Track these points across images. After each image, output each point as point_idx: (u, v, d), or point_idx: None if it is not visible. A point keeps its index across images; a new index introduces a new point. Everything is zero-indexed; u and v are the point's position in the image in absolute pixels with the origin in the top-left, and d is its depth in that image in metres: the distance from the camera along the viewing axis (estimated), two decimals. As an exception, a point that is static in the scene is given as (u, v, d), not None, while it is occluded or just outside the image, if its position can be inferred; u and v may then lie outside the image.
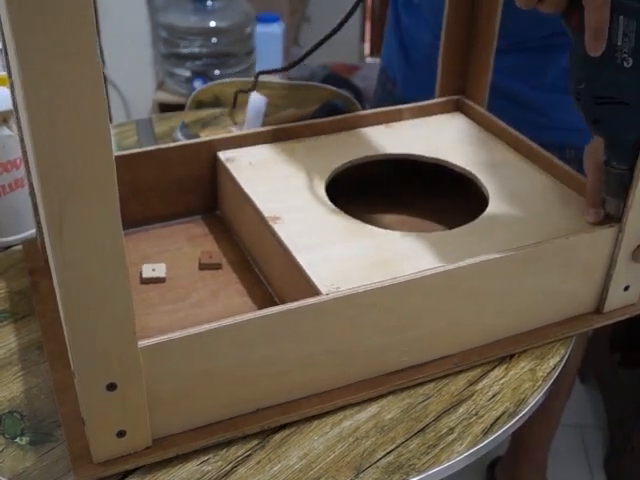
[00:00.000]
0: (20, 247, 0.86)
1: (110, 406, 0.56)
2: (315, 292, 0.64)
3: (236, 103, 1.14)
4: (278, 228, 0.73)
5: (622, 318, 0.77)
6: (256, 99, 1.11)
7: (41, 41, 0.41)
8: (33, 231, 0.86)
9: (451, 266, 0.66)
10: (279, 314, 0.60)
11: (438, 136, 0.91)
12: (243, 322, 0.59)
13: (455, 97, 0.97)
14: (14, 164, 0.84)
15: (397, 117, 0.95)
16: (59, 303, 0.51)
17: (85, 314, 0.51)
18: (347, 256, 0.69)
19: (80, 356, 0.53)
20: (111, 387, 0.55)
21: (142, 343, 0.55)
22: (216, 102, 1.23)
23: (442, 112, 0.97)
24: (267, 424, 0.63)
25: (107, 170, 0.46)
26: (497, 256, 0.67)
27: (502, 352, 0.72)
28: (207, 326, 0.58)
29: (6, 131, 0.82)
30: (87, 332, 0.52)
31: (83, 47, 0.42)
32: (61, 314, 0.51)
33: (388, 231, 0.73)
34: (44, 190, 0.45)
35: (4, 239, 0.87)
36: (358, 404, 0.67)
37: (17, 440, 0.63)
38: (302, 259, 0.68)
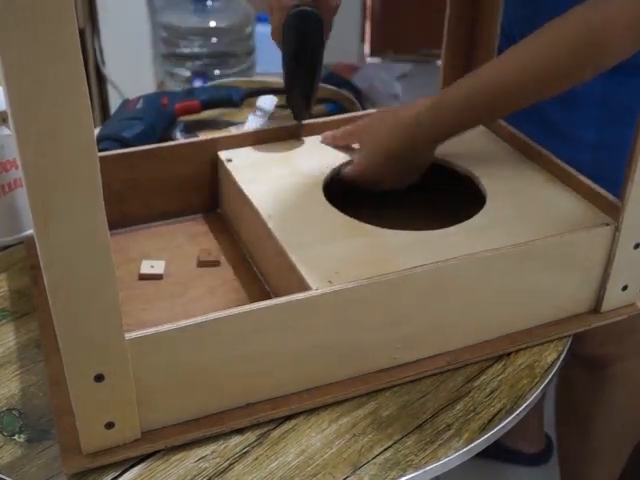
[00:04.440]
0: (19, 247, 0.86)
1: (98, 397, 0.57)
2: (307, 289, 0.64)
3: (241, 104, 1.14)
4: (273, 226, 0.73)
5: (620, 318, 0.77)
6: (267, 98, 1.12)
7: (23, 38, 0.41)
8: (31, 231, 0.86)
9: (442, 263, 0.66)
10: (267, 309, 0.60)
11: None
12: (230, 316, 0.59)
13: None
14: (13, 164, 0.84)
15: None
16: (48, 295, 0.51)
17: (71, 305, 0.52)
18: (342, 254, 0.69)
19: (68, 347, 0.53)
20: (99, 378, 0.56)
21: (129, 335, 0.56)
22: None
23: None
24: (257, 419, 0.64)
25: (90, 164, 0.47)
26: (490, 254, 0.67)
27: (497, 351, 0.72)
28: (193, 320, 0.58)
29: (5, 131, 0.83)
30: (74, 323, 0.52)
31: (65, 45, 0.42)
32: (50, 306, 0.52)
33: (384, 229, 0.73)
34: (29, 182, 0.46)
35: (3, 239, 0.87)
36: (356, 400, 0.67)
37: (15, 437, 0.63)
38: (295, 256, 0.68)
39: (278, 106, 1.15)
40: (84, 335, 0.53)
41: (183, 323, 0.58)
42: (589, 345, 1.15)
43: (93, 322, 0.53)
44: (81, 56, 0.43)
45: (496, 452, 1.53)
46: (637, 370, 1.19)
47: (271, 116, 1.12)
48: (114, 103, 2.13)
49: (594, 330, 0.76)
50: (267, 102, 1.13)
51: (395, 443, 0.63)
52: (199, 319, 0.58)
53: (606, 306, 0.76)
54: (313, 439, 0.63)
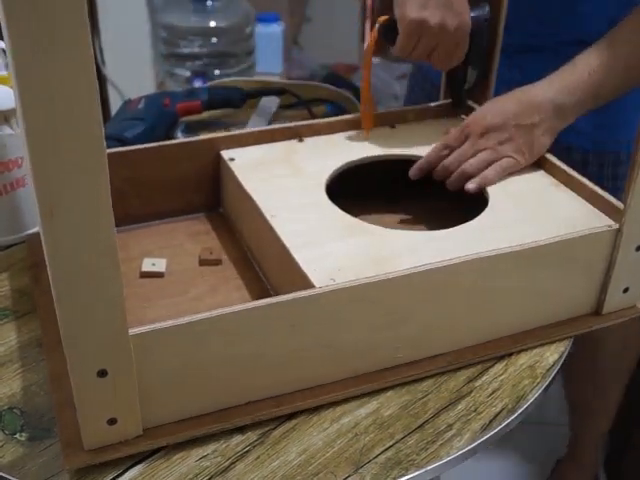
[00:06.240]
0: (21, 246, 0.86)
1: (101, 393, 0.57)
2: (310, 286, 0.64)
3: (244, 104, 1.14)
4: (276, 225, 0.73)
5: (621, 320, 0.77)
6: (270, 99, 1.12)
7: (34, 36, 0.41)
8: (32, 230, 0.86)
9: (443, 263, 0.66)
10: (269, 306, 0.60)
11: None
12: (232, 313, 0.59)
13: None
14: (15, 163, 0.84)
15: (401, 119, 0.95)
16: (52, 289, 0.51)
17: (76, 300, 0.52)
18: (344, 253, 0.69)
19: (71, 341, 0.53)
20: (102, 374, 0.56)
21: (133, 331, 0.56)
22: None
23: (446, 115, 0.97)
24: (258, 417, 0.64)
25: (97, 158, 0.47)
26: (492, 254, 0.67)
27: (498, 352, 0.72)
28: (197, 316, 0.58)
29: (7, 130, 0.82)
30: (78, 318, 0.52)
31: (76, 42, 0.43)
32: (54, 300, 0.52)
33: (386, 229, 0.73)
34: (36, 176, 0.46)
35: (4, 238, 0.87)
36: (357, 400, 0.67)
37: (17, 436, 0.63)
38: (298, 255, 0.68)
39: (280, 107, 1.15)
40: (87, 330, 0.53)
41: (187, 319, 0.58)
42: None
43: (97, 317, 0.53)
44: (92, 52, 0.43)
45: None
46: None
47: (273, 117, 1.12)
48: (114, 103, 2.13)
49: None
50: (270, 103, 1.13)
51: (397, 442, 0.63)
52: (203, 315, 0.58)
53: (607, 308, 0.76)
54: (314, 438, 0.64)
